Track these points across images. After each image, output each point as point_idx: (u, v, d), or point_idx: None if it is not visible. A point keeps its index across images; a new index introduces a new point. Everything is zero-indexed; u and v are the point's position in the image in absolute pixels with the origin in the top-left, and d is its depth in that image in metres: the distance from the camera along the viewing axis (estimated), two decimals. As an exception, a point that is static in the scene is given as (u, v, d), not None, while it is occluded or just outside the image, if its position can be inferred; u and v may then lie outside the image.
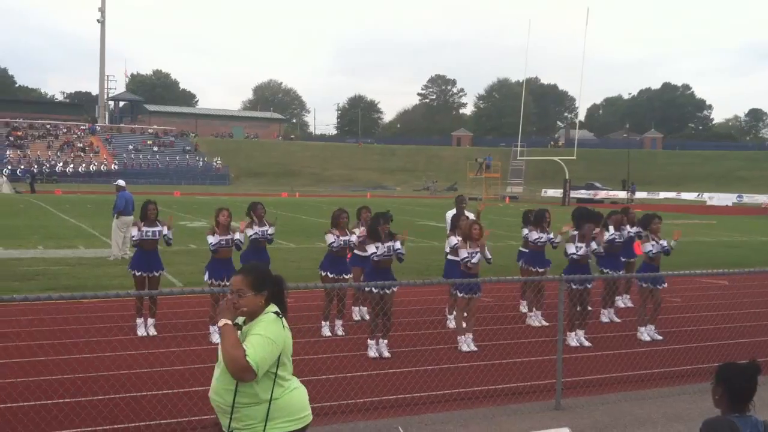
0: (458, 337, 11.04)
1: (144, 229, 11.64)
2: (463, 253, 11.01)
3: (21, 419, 7.34)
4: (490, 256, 11.24)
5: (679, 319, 13.61)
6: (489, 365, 10.02)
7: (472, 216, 13.09)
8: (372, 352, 10.36)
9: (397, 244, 10.64)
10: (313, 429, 7.47)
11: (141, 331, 11.28)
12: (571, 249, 11.63)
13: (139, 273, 11.61)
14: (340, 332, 11.71)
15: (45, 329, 11.16)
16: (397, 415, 8.01)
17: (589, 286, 11.61)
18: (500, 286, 15.17)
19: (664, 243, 12.24)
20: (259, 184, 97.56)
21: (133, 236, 11.72)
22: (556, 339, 8.90)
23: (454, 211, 13.55)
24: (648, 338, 11.95)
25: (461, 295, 10.97)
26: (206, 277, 11.46)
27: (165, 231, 11.86)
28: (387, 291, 10.35)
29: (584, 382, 9.50)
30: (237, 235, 11.63)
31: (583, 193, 78.19)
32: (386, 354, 10.38)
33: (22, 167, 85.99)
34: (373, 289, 10.18)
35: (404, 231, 10.86)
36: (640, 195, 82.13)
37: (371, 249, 10.52)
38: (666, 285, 12.24)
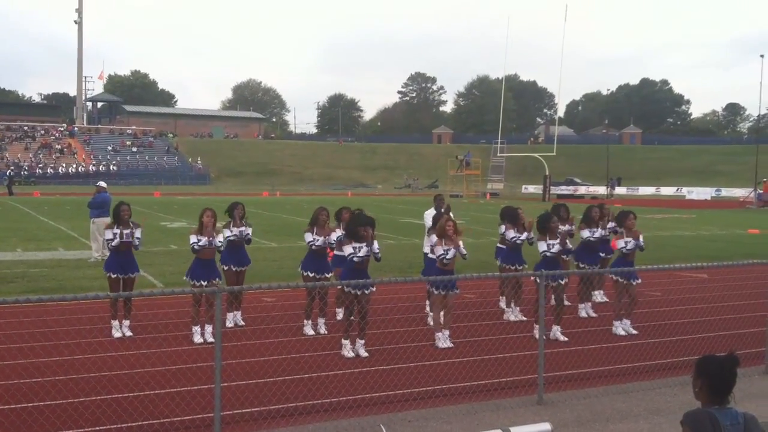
0: (436, 334, 11.06)
1: (117, 231, 11.50)
2: (439, 251, 11.05)
3: (1, 423, 7.27)
4: (465, 252, 11.27)
5: (659, 313, 13.70)
6: (471, 361, 10.04)
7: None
8: (347, 352, 10.31)
9: (375, 245, 10.58)
10: (297, 427, 7.49)
11: (117, 333, 11.20)
12: (542, 247, 11.74)
13: (115, 275, 11.49)
14: (323, 331, 11.68)
15: (24, 332, 11.07)
16: (380, 413, 8.01)
17: (562, 281, 11.71)
18: (481, 283, 15.21)
19: (640, 240, 12.33)
20: (240, 183, 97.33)
21: (109, 239, 11.55)
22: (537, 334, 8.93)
23: (432, 211, 13.59)
24: (623, 332, 12.02)
25: (437, 292, 11.03)
26: (188, 277, 11.35)
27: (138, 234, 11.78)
28: (365, 291, 10.32)
29: (566, 376, 9.54)
30: (219, 238, 11.51)
31: (563, 189, 78.54)
32: (363, 353, 10.35)
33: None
34: (351, 289, 10.18)
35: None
36: (619, 191, 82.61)
37: (348, 249, 10.46)
38: (640, 281, 12.31)
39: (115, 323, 11.27)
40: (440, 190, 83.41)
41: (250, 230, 12.44)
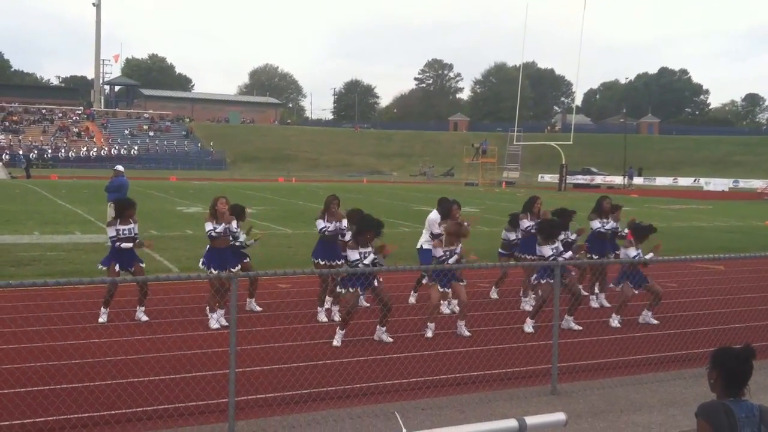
0: (428, 323, 11.01)
1: (120, 227, 11.47)
2: (438, 252, 11.10)
3: (18, 405, 7.34)
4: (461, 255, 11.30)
5: (675, 304, 13.63)
6: (485, 350, 10.05)
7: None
8: (337, 341, 10.24)
9: (371, 257, 10.37)
10: (310, 414, 7.52)
11: (103, 319, 11.15)
12: (547, 252, 11.68)
13: (118, 269, 11.48)
14: (336, 318, 11.70)
15: (41, 315, 11.15)
16: (394, 400, 8.03)
17: (572, 274, 11.73)
18: (496, 272, 15.14)
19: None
20: (256, 169, 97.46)
21: (111, 236, 11.50)
22: (552, 324, 8.93)
23: (436, 214, 13.20)
24: (618, 325, 11.92)
25: (441, 289, 11.10)
26: (204, 265, 11.38)
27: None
28: (375, 284, 10.31)
29: (580, 366, 9.52)
30: (234, 225, 11.55)
31: (579, 179, 78.24)
32: (387, 339, 10.40)
33: (21, 152, 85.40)
34: (350, 289, 10.17)
35: (389, 245, 10.71)
36: (636, 181, 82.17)
37: (354, 256, 10.32)
38: (649, 283, 12.18)
39: (104, 310, 11.24)
40: (456, 178, 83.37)
41: (242, 237, 12.30)
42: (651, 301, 12.24)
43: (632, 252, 12.06)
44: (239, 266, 11.81)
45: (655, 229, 12.36)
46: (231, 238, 11.68)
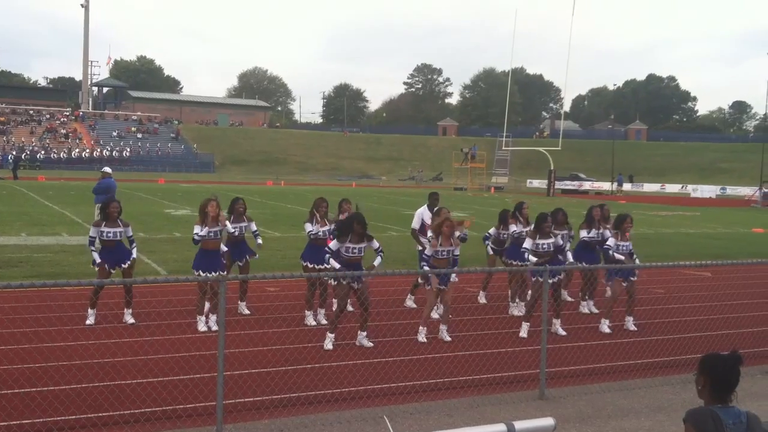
0: (420, 327, 10.99)
1: (105, 229, 11.36)
2: (430, 251, 11.06)
3: (4, 407, 7.30)
4: (458, 254, 11.31)
5: (663, 310, 13.69)
6: (474, 355, 10.05)
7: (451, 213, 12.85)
8: (329, 344, 10.22)
9: (375, 243, 10.56)
10: (299, 417, 7.51)
11: (90, 321, 11.07)
12: (528, 244, 11.73)
13: (107, 267, 11.38)
14: (324, 321, 11.69)
15: (28, 317, 11.10)
16: (383, 404, 8.02)
17: (559, 277, 11.77)
18: (484, 277, 15.19)
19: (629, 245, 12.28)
20: (244, 172, 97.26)
21: (92, 236, 11.37)
22: (540, 329, 8.94)
23: (425, 209, 13.42)
24: (608, 330, 11.95)
25: (428, 286, 11.07)
26: (194, 268, 11.34)
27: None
28: (358, 284, 10.29)
29: (568, 372, 9.54)
30: (229, 227, 11.52)
31: (567, 184, 78.46)
32: (368, 344, 10.37)
33: (13, 153, 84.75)
34: (342, 280, 10.15)
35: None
36: (625, 187, 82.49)
37: (333, 246, 10.44)
38: (635, 278, 12.23)
39: (92, 312, 11.14)
40: (444, 182, 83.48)
41: (252, 224, 12.42)
42: (627, 305, 12.27)
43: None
44: (240, 264, 11.93)
45: (632, 218, 12.57)
46: (240, 231, 11.88)
